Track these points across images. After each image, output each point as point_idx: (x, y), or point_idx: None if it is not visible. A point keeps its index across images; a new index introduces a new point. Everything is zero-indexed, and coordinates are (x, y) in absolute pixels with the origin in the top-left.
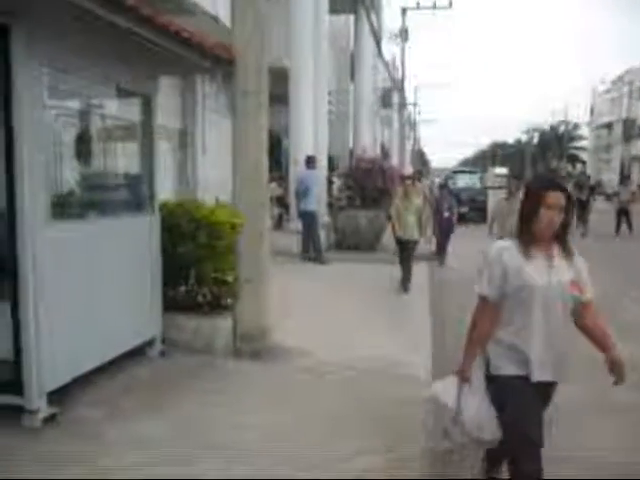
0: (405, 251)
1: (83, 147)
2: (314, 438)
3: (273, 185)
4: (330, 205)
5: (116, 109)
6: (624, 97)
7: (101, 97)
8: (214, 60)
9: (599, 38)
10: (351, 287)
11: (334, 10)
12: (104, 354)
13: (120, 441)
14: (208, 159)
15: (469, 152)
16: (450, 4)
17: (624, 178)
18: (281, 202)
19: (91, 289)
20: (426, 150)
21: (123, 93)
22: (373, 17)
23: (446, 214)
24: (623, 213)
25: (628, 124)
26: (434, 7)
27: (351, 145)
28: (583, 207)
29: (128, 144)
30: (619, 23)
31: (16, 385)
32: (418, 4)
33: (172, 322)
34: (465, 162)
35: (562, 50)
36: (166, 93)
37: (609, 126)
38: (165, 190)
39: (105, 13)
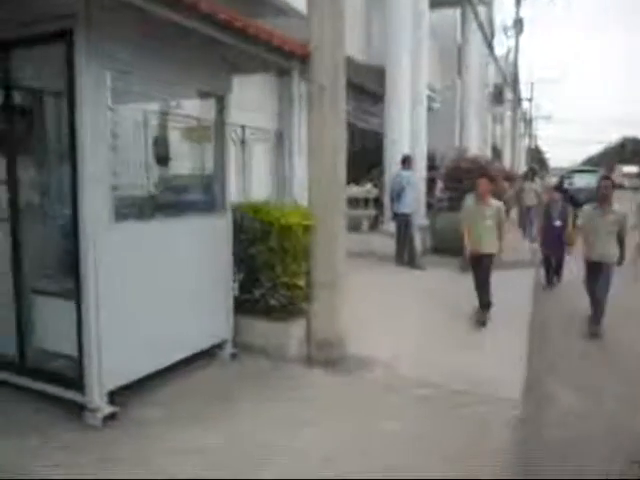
0: (479, 269)
1: (153, 148)
2: (373, 462)
3: (369, 186)
4: (429, 206)
5: (187, 109)
6: None
7: (172, 97)
8: (287, 56)
9: None
10: (443, 296)
11: (437, 3)
12: (170, 356)
13: (173, 445)
14: (305, 160)
15: (593, 150)
16: None
17: None
18: (377, 203)
19: (157, 290)
20: (545, 149)
21: (195, 93)
22: (482, 9)
23: (557, 223)
24: None
25: None
26: None
27: (457, 143)
28: None
29: (200, 144)
30: None
31: (79, 382)
32: None
33: (245, 325)
34: (589, 160)
35: None
36: (263, 94)
37: None
38: (261, 192)
39: (181, 19)
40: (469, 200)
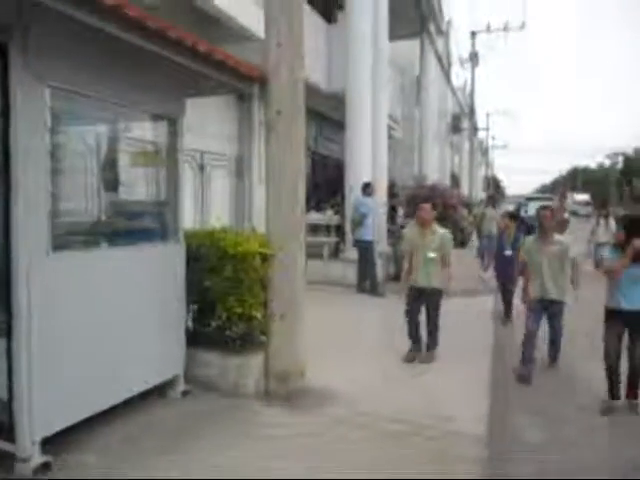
0: (418, 304)
1: (100, 172)
2: None
3: (330, 213)
4: (391, 233)
5: (137, 132)
6: None
7: (121, 119)
8: (244, 79)
9: None
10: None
11: (396, 36)
12: (112, 397)
13: None
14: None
15: (547, 179)
16: (522, 26)
17: None
18: (339, 230)
19: (100, 325)
20: (501, 177)
21: (146, 115)
22: (440, 42)
23: (508, 252)
24: None
25: None
26: (505, 29)
27: (417, 172)
28: None
29: (152, 169)
30: None
31: (9, 429)
32: (489, 27)
33: (200, 359)
34: (543, 189)
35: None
36: (223, 119)
37: None
38: (221, 219)
39: (129, 37)
40: (410, 228)
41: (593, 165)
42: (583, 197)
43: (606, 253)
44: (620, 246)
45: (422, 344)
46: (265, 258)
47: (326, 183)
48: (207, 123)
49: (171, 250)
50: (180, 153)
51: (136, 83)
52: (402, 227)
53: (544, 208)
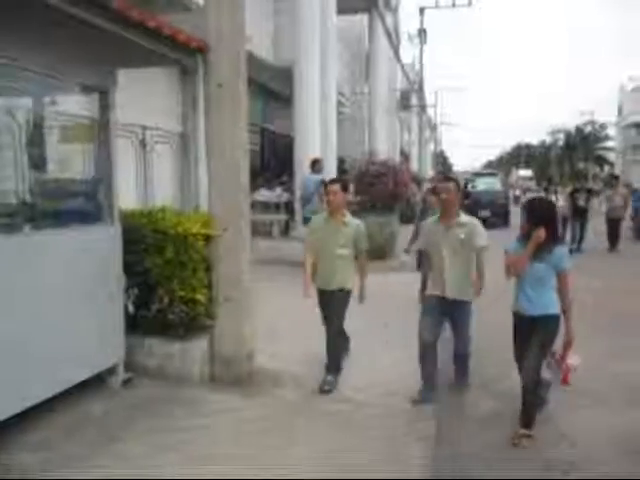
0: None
1: (22, 149)
2: None
3: (279, 190)
4: None
5: (65, 105)
6: None
7: (45, 91)
8: (182, 50)
9: (627, 35)
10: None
11: (345, 9)
12: (44, 390)
13: None
14: None
15: (493, 155)
16: (470, 2)
17: (612, 179)
18: (288, 208)
19: (24, 316)
20: (449, 154)
21: (74, 87)
22: (389, 18)
23: None
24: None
25: None
26: (453, 5)
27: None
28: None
29: (81, 145)
30: None
31: None
32: (437, 3)
33: (141, 346)
34: (489, 165)
35: (589, 48)
36: (167, 94)
37: (638, 126)
38: (166, 198)
39: (55, 3)
40: (317, 216)
41: (535, 142)
42: (526, 173)
43: (511, 246)
44: (527, 237)
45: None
46: (208, 239)
47: (276, 160)
48: (150, 98)
49: (105, 231)
50: (112, 127)
51: (62, 52)
52: (351, 204)
53: (447, 179)
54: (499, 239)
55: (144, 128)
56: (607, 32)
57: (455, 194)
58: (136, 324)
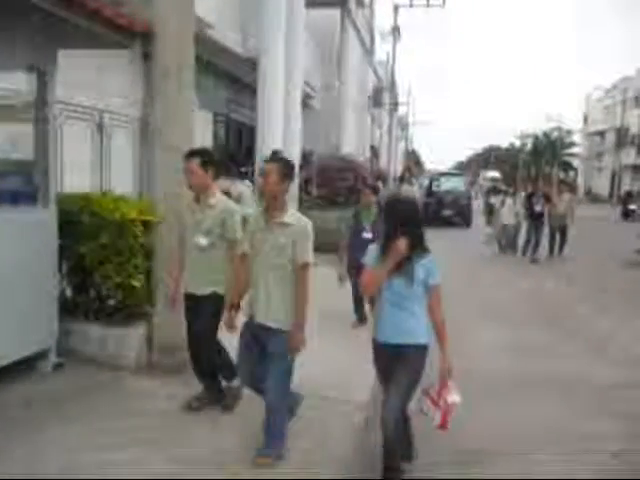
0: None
1: None
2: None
3: (238, 180)
4: (304, 203)
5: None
6: (617, 105)
7: None
8: (125, 32)
9: (597, 44)
10: None
11: (315, 3)
12: None
13: None
14: None
15: (464, 156)
16: (443, 3)
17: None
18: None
19: None
20: (422, 152)
21: (9, 65)
22: (363, 14)
23: (367, 234)
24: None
25: (621, 132)
26: (427, 5)
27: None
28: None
29: (16, 125)
30: (617, 30)
31: None
32: (411, 2)
33: (77, 331)
34: (459, 165)
35: (560, 56)
36: (125, 77)
37: (602, 134)
38: (125, 184)
39: None
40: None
41: (505, 145)
42: (492, 174)
43: (370, 256)
44: (387, 247)
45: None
46: (148, 225)
47: (241, 150)
48: (108, 81)
49: (39, 214)
50: (50, 108)
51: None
52: (317, 197)
53: (273, 159)
54: (461, 239)
55: (102, 112)
56: (580, 43)
57: (279, 179)
58: (75, 309)
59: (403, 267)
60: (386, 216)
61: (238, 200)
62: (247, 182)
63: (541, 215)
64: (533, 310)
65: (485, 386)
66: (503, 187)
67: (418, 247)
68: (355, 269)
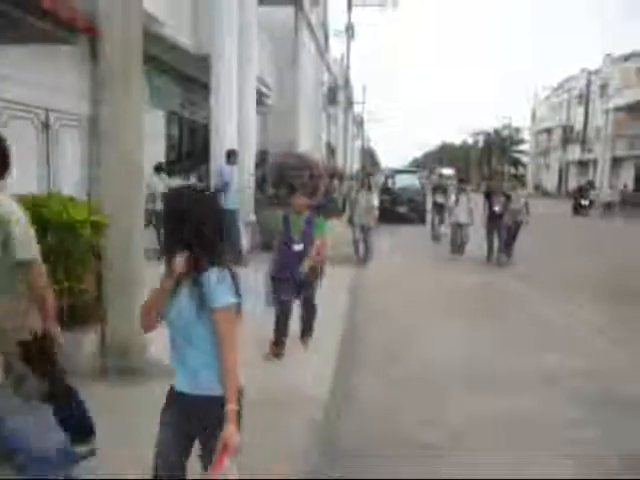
0: None
1: None
2: None
3: (193, 180)
4: (260, 203)
5: None
6: (563, 104)
7: None
8: (67, 27)
9: (544, 47)
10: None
11: (268, 1)
12: None
13: None
14: None
15: (419, 153)
16: (395, 4)
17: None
18: None
19: None
20: (377, 149)
21: None
22: (316, 13)
23: (298, 246)
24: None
25: (566, 130)
26: (380, 5)
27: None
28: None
29: None
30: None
31: None
32: (365, 1)
33: None
34: (414, 162)
35: (510, 56)
36: (74, 75)
37: (549, 131)
38: (74, 184)
39: None
40: None
41: (458, 142)
42: (447, 171)
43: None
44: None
45: None
46: (97, 227)
47: (195, 150)
48: (55, 79)
49: None
50: None
51: None
52: (273, 197)
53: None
54: (415, 235)
55: (47, 110)
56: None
57: None
58: None
59: (184, 286)
60: (165, 218)
61: None
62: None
63: (500, 217)
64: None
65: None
66: (453, 184)
67: (204, 259)
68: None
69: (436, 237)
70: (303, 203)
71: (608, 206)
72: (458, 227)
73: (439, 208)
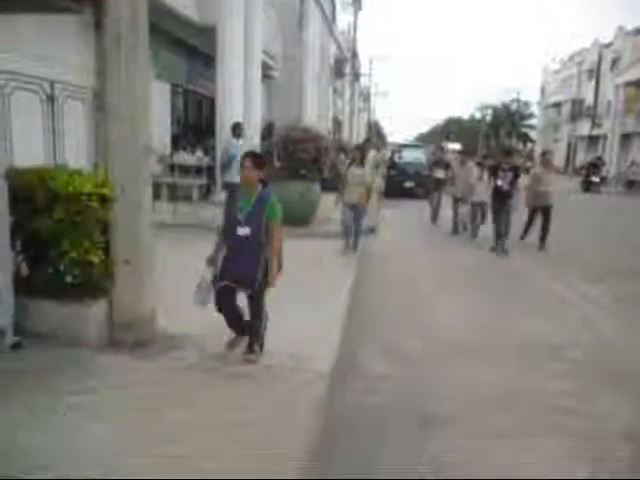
0: None
1: None
2: (161, 450)
3: (199, 154)
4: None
5: None
6: (574, 77)
7: None
8: None
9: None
10: None
11: None
12: None
13: None
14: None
15: (426, 127)
16: None
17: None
18: (210, 172)
19: None
20: (384, 124)
21: None
22: None
23: (241, 230)
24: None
25: (576, 104)
26: None
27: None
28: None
29: None
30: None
31: None
32: None
33: (35, 309)
34: (420, 137)
35: (518, 26)
36: (79, 48)
37: (558, 106)
38: (80, 156)
39: None
40: None
41: (466, 117)
42: (455, 146)
43: None
44: None
45: None
46: (105, 199)
47: (200, 123)
48: (60, 51)
49: None
50: None
51: None
52: (278, 169)
53: None
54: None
55: (52, 82)
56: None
57: None
58: (32, 287)
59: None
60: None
61: None
62: (199, 153)
63: (508, 196)
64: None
65: None
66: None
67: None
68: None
69: (435, 218)
70: (252, 176)
71: (631, 184)
72: (478, 206)
73: (438, 184)
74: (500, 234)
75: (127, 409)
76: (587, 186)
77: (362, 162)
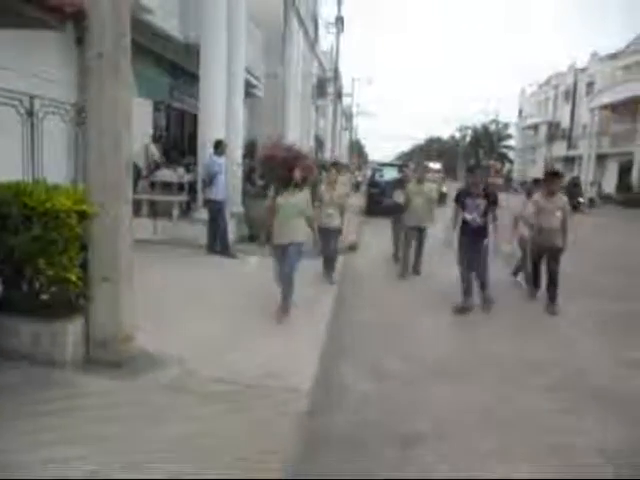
0: None
1: None
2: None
3: (181, 170)
4: (248, 194)
5: None
6: (550, 100)
7: None
8: (54, 12)
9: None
10: (249, 286)
11: None
12: None
13: None
14: None
15: (406, 146)
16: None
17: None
18: (191, 189)
19: None
20: (365, 143)
21: None
22: (307, 2)
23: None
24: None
25: (552, 126)
26: None
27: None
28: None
29: None
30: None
31: None
32: None
33: (9, 327)
34: (401, 156)
35: (498, 49)
36: (60, 62)
37: (535, 127)
38: (59, 172)
39: None
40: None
41: (445, 136)
42: (435, 165)
43: None
44: None
45: None
46: (82, 216)
47: (183, 140)
48: (40, 66)
49: None
50: None
51: None
52: (263, 187)
53: None
54: None
55: (32, 97)
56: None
57: None
58: (8, 304)
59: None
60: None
61: None
62: (180, 170)
63: (481, 234)
64: None
65: None
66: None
67: None
68: None
69: (398, 259)
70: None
71: (591, 202)
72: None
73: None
74: (468, 289)
75: (96, 431)
76: (573, 207)
77: (333, 182)
